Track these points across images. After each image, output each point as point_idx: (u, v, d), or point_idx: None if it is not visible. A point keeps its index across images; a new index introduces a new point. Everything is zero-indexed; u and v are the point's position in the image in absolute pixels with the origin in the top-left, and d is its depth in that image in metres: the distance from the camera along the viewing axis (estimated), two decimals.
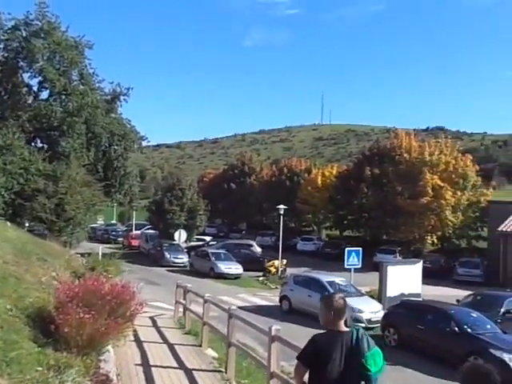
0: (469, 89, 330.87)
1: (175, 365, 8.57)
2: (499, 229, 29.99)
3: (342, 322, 3.95)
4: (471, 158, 39.76)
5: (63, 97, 25.63)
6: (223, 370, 8.41)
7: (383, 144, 42.90)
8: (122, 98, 27.92)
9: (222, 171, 65.01)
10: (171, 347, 9.97)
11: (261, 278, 27.35)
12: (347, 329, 3.95)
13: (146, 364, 8.39)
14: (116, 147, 27.71)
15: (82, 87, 25.85)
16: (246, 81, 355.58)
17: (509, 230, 29.74)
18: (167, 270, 29.53)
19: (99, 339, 6.10)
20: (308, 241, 43.02)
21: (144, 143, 31.38)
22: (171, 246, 32.55)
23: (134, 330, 9.95)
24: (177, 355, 9.25)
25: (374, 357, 3.93)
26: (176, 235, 32.99)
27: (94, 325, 5.90)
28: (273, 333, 6.41)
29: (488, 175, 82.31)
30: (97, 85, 27.42)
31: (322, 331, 4.02)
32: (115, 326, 6.25)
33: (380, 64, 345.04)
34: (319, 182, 46.39)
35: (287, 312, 17.97)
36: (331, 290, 16.87)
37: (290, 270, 27.38)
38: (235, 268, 27.50)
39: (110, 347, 6.96)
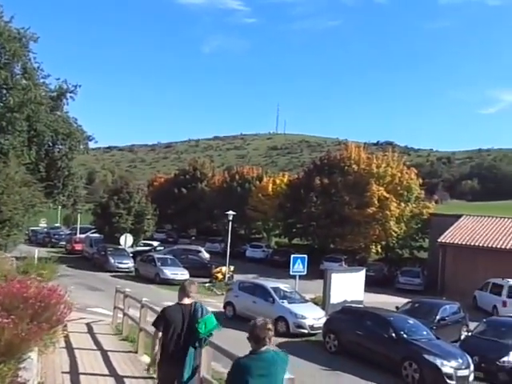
0: (418, 106, 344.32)
1: (106, 372, 8.26)
2: (439, 240, 31.15)
3: (186, 298, 5.53)
4: (416, 171, 41.29)
5: (4, 91, 24.39)
6: (156, 377, 8.17)
7: (333, 155, 43.71)
8: (68, 95, 26.89)
9: (173, 176, 64.18)
10: (105, 354, 9.61)
11: (207, 285, 27.05)
12: (189, 302, 5.50)
13: (74, 372, 8.03)
14: (60, 146, 26.70)
15: (24, 82, 24.57)
16: (203, 87, 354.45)
17: (447, 241, 30.92)
18: (111, 276, 28.69)
19: (19, 345, 5.70)
20: (257, 248, 43.08)
21: (94, 145, 30.40)
22: (116, 251, 31.67)
23: (66, 337, 9.55)
24: (109, 362, 8.92)
25: (205, 322, 5.35)
26: (122, 239, 32.15)
27: (13, 330, 5.53)
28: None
29: (432, 189, 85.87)
30: (41, 80, 26.15)
31: None
32: (38, 331, 5.89)
33: (335, 78, 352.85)
34: (270, 189, 46.68)
35: (231, 318, 17.81)
36: (276, 297, 16.96)
37: (237, 277, 27.24)
38: (181, 274, 27.06)
39: (33, 354, 6.58)
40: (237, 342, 13.34)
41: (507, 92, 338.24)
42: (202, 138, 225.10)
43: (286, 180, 47.50)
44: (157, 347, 5.44)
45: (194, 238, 52.96)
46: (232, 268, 29.09)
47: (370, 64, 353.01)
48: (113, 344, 10.79)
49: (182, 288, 5.64)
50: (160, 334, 5.40)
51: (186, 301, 5.50)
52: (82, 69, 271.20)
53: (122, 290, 13.05)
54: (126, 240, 32.23)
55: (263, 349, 4.13)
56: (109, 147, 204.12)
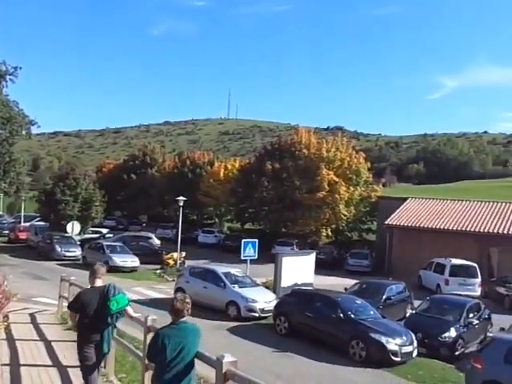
0: (367, 92, 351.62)
1: (49, 363, 7.97)
2: (386, 222, 32.10)
3: (98, 280, 6.13)
4: (364, 155, 42.19)
5: None
6: (102, 366, 7.96)
7: (284, 140, 43.92)
8: (8, 77, 25.57)
9: (123, 162, 62.66)
10: (48, 344, 9.27)
11: (158, 271, 26.72)
12: (101, 284, 6.11)
13: (15, 363, 7.71)
14: (0, 131, 25.39)
15: None
16: (153, 71, 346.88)
17: (394, 223, 31.93)
18: (58, 264, 27.75)
19: None
20: (209, 233, 42.92)
21: (38, 130, 29.07)
22: (63, 239, 30.61)
23: (7, 328, 9.13)
24: (53, 352, 8.61)
25: (117, 300, 5.93)
26: (68, 227, 31.10)
27: None
28: (148, 323, 6.14)
29: (380, 173, 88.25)
30: None
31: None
32: None
33: (286, 62, 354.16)
34: (221, 174, 46.48)
35: None
36: (227, 281, 16.94)
37: (189, 263, 26.97)
38: (131, 261, 26.58)
39: None
40: None
41: (450, 78, 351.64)
42: (153, 123, 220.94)
43: (237, 165, 47.39)
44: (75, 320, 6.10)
45: (144, 224, 52.10)
46: (183, 254, 28.83)
47: (320, 49, 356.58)
48: (57, 334, 10.42)
49: (92, 272, 6.19)
50: (76, 315, 6.00)
51: (99, 283, 6.10)
52: (23, 52, 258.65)
53: (67, 279, 12.61)
54: (73, 228, 31.22)
55: (181, 320, 4.94)
56: (54, 132, 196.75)
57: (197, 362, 4.96)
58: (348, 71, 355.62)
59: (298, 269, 18.99)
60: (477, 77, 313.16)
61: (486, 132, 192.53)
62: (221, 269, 18.35)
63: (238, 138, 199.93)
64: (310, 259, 20.04)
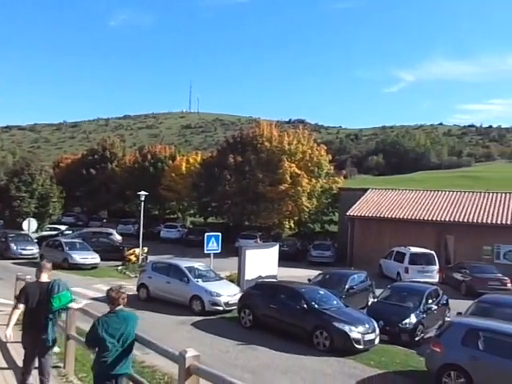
0: (328, 85, 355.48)
1: (4, 365, 7.64)
2: (347, 213, 32.58)
3: (43, 275, 6.53)
4: (325, 148, 42.64)
5: None
6: (61, 366, 7.72)
7: (246, 133, 43.83)
8: None
9: (81, 156, 60.94)
10: (3, 346, 8.88)
11: (120, 267, 26.19)
12: (47, 280, 6.50)
13: None
14: None
15: None
16: (111, 63, 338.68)
17: (355, 214, 32.45)
18: (13, 263, 26.74)
19: None
20: (172, 228, 42.45)
21: None
22: (18, 237, 29.53)
23: None
24: (8, 354, 8.26)
25: (60, 297, 6.30)
26: (25, 224, 30.04)
27: None
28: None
29: (341, 165, 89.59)
30: None
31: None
32: None
33: (247, 55, 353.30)
34: (183, 168, 45.99)
35: (145, 300, 17.41)
36: (190, 276, 16.77)
37: (151, 258, 26.56)
38: (91, 258, 25.94)
39: None
40: (153, 325, 13.04)
41: (407, 72, 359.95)
42: (112, 117, 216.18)
43: (199, 159, 47.01)
44: (14, 317, 6.38)
45: (105, 220, 50.96)
46: (145, 249, 28.40)
47: (281, 42, 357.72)
48: (13, 335, 10.00)
49: (39, 267, 6.67)
50: (21, 306, 6.34)
51: (44, 278, 6.51)
52: None
53: (23, 278, 12.12)
54: (30, 225, 30.18)
55: (118, 308, 5.32)
56: (7, 126, 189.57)
57: (161, 358, 4.89)
58: (309, 64, 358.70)
59: (262, 261, 19.02)
60: (432, 71, 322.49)
61: (441, 124, 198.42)
62: (184, 263, 18.15)
63: (199, 131, 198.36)
64: (273, 251, 20.10)
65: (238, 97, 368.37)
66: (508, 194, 32.64)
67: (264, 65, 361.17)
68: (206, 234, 20.28)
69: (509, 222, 28.60)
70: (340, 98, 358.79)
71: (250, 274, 18.31)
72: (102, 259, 26.58)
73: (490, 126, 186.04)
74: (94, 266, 25.86)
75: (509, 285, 22.41)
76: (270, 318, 13.77)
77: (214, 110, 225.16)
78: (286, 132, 42.91)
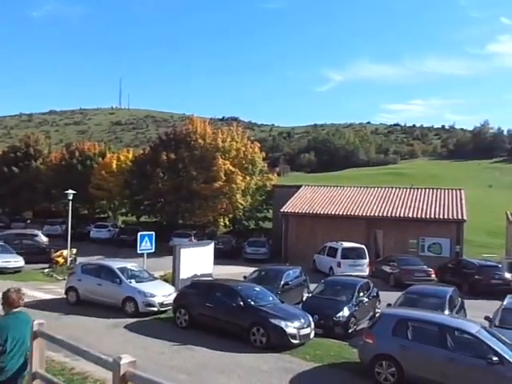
0: (261, 84, 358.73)
1: None
2: (281, 210, 32.99)
3: None
4: (259, 145, 42.97)
5: None
6: None
7: (179, 129, 43.18)
8: None
9: (2, 153, 57.28)
10: None
11: (46, 270, 24.88)
12: None
13: None
14: None
15: None
16: (35, 56, 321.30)
17: (289, 211, 32.93)
18: None
19: None
20: (102, 228, 40.91)
21: None
22: None
23: None
24: None
25: None
26: None
27: None
28: (34, 328, 5.55)
29: (274, 162, 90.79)
30: None
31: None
32: None
33: (179, 51, 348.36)
34: (114, 166, 44.54)
35: (75, 304, 16.62)
36: (122, 277, 16.20)
37: (81, 260, 25.45)
38: (14, 261, 24.38)
39: None
40: (85, 329, 12.44)
41: (336, 72, 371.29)
42: (36, 112, 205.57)
43: (131, 156, 45.74)
44: None
45: (29, 221, 48.24)
46: (74, 251, 27.19)
47: (214, 39, 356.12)
48: None
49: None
50: None
51: None
52: None
53: None
54: None
55: (16, 310, 5.20)
56: None
57: (93, 364, 4.60)
58: (242, 62, 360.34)
59: (197, 260, 18.78)
60: (360, 72, 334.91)
61: (369, 123, 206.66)
62: (116, 264, 17.49)
63: (130, 128, 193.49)
64: (208, 249, 19.92)
65: (171, 93, 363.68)
66: (431, 190, 34.49)
67: (197, 62, 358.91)
68: (139, 234, 19.71)
69: (432, 216, 30.21)
70: (273, 97, 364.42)
71: (185, 273, 18.01)
72: (26, 262, 25.07)
73: (414, 125, 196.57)
74: (17, 270, 24.35)
75: (433, 275, 23.70)
76: (206, 316, 13.59)
77: (146, 107, 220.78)
78: (220, 129, 42.79)
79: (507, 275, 23.20)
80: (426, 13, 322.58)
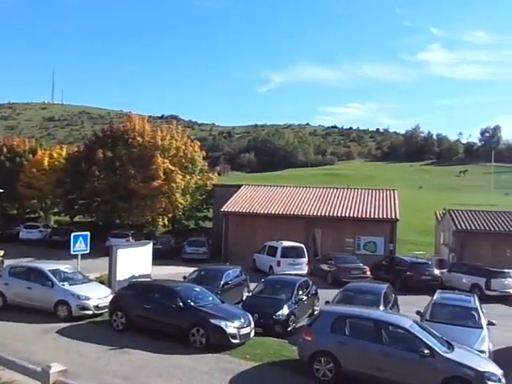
0: (201, 83, 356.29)
1: None
2: (222, 209, 32.87)
3: None
4: (199, 144, 42.55)
5: None
6: None
7: (116, 126, 41.88)
8: None
9: None
10: None
11: None
12: None
13: None
14: None
15: None
16: None
17: (229, 210, 32.87)
18: None
19: None
20: (33, 228, 38.78)
21: None
22: None
23: None
24: None
25: None
26: None
27: None
28: None
29: (214, 162, 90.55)
30: None
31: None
32: None
33: (117, 47, 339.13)
34: (46, 163, 42.48)
35: (2, 309, 15.64)
36: (55, 279, 15.46)
37: (9, 262, 24.02)
38: None
39: None
40: (13, 336, 11.76)
41: (277, 74, 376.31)
42: None
43: (64, 153, 43.80)
44: None
45: None
46: (1, 253, 25.62)
47: (153, 37, 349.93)
48: None
49: None
50: None
51: None
52: None
53: None
54: None
55: None
56: None
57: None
58: (182, 60, 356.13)
59: (135, 260, 18.28)
60: (300, 74, 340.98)
61: (308, 124, 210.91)
62: (47, 266, 16.66)
63: (64, 124, 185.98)
64: (146, 250, 19.45)
65: (108, 90, 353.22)
66: (366, 190, 35.67)
67: (135, 59, 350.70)
68: (73, 234, 18.87)
69: (367, 216, 31.23)
70: (213, 96, 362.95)
71: (122, 274, 17.47)
72: None
73: (351, 128, 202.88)
74: None
75: (368, 273, 24.49)
76: (145, 318, 13.24)
77: (81, 102, 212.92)
78: (159, 127, 41.94)
79: (436, 272, 24.42)
80: (363, 19, 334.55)
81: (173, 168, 37.06)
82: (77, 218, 43.18)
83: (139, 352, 11.76)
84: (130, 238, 32.78)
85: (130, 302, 13.65)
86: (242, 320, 12.72)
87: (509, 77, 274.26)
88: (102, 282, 17.73)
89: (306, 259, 25.89)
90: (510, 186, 76.25)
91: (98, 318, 14.94)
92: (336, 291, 15.85)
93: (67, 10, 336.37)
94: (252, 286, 18.50)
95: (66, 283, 15.58)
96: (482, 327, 12.69)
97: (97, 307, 15.01)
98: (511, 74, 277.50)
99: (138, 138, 38.04)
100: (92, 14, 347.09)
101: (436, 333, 10.70)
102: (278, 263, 25.04)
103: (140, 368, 10.78)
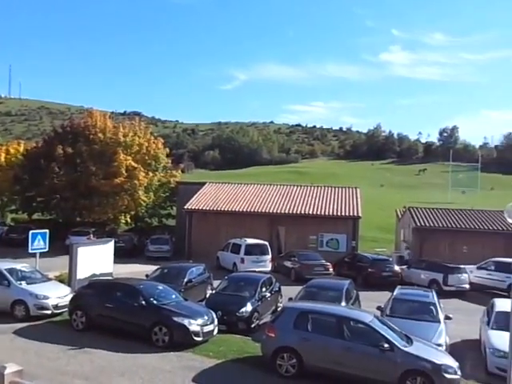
0: (165, 80, 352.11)
1: None
2: (185, 207, 32.62)
3: None
4: (163, 141, 42.09)
5: None
6: None
7: (77, 122, 40.89)
8: None
9: None
10: None
11: None
12: None
13: None
14: None
15: None
16: None
17: (193, 207, 32.64)
18: None
19: None
20: None
21: None
22: None
23: None
24: None
25: None
26: None
27: None
28: None
29: (178, 159, 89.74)
30: None
31: None
32: None
33: (79, 43, 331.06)
34: (3, 159, 41.16)
35: None
36: (11, 278, 15.00)
37: None
38: None
39: None
40: None
41: (241, 71, 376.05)
42: None
43: (22, 149, 42.49)
44: None
45: None
46: None
47: (116, 33, 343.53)
48: None
49: None
50: None
51: None
52: None
53: None
54: None
55: None
56: None
57: None
58: (145, 57, 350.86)
59: (96, 259, 17.91)
60: (264, 72, 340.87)
61: (272, 122, 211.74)
62: (4, 265, 16.11)
63: (22, 119, 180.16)
64: (108, 248, 19.08)
65: (68, 85, 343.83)
66: (329, 188, 36.17)
67: (97, 54, 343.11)
68: (31, 232, 18.31)
69: (330, 213, 31.66)
70: (177, 93, 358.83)
71: (83, 272, 17.09)
72: None
73: (314, 126, 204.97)
74: None
75: (331, 269, 24.86)
76: (106, 317, 13.01)
77: (40, 97, 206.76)
78: (122, 123, 41.20)
79: (396, 268, 25.02)
80: (327, 19, 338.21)
81: (135, 165, 36.53)
82: (35, 216, 41.94)
83: (101, 352, 11.56)
84: (91, 235, 32.18)
85: (90, 301, 13.38)
86: (206, 317, 12.69)
87: (464, 78, 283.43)
88: (61, 281, 17.33)
89: (269, 256, 26.03)
90: (467, 184, 78.93)
91: (58, 318, 14.59)
92: (299, 288, 16.00)
93: (25, 3, 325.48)
94: (216, 283, 18.46)
95: (23, 282, 15.14)
96: (439, 321, 13.08)
97: (56, 307, 14.66)
98: (467, 76, 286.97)
99: (100, 135, 37.29)
100: (51, 8, 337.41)
101: (396, 327, 10.97)
102: (242, 260, 25.08)
103: (101, 368, 10.59)
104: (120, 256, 22.68)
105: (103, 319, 13.05)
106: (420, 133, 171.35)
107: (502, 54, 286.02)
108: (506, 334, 10.70)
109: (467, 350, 13.69)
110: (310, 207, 32.51)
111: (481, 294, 22.54)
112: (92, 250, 18.21)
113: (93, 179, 35.55)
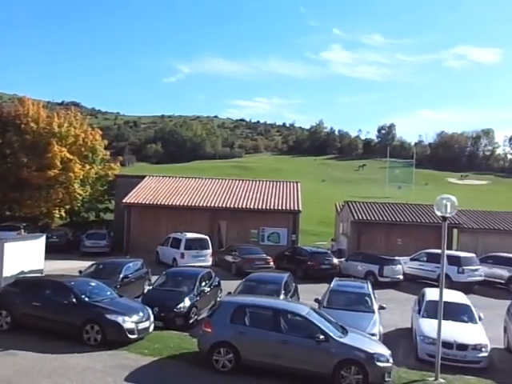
0: (106, 70, 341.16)
1: None
2: (124, 201, 31.65)
3: None
4: (100, 132, 40.68)
5: None
6: None
7: (7, 111, 38.69)
8: None
9: None
10: None
11: None
12: None
13: None
14: None
15: None
16: None
17: (132, 201, 31.71)
18: None
19: None
20: None
21: None
22: None
23: None
24: None
25: None
26: None
27: None
28: None
29: (119, 152, 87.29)
30: None
31: None
32: None
33: (14, 29, 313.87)
34: None
35: None
36: None
37: None
38: None
39: None
40: None
41: (185, 64, 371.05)
42: None
43: None
44: None
45: None
46: None
47: (52, 22, 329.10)
48: None
49: None
50: None
51: None
52: None
53: None
54: None
55: None
56: None
57: None
58: (85, 46, 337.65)
59: (25, 255, 16.93)
60: (208, 66, 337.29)
61: (216, 116, 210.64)
62: None
63: None
64: (39, 243, 18.12)
65: (1, 71, 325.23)
66: (270, 182, 36.34)
67: (34, 41, 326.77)
68: None
69: (271, 207, 31.81)
70: (119, 84, 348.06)
71: (10, 269, 16.07)
72: None
73: (258, 122, 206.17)
74: None
75: (271, 263, 24.95)
76: (33, 317, 12.30)
77: None
78: (57, 113, 39.38)
79: (335, 260, 25.51)
80: (271, 16, 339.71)
81: (71, 157, 35.14)
82: None
83: (26, 353, 10.93)
84: (22, 230, 30.51)
85: (15, 299, 12.63)
86: (141, 314, 12.31)
87: (401, 79, 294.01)
88: None
89: (210, 251, 25.75)
90: (403, 179, 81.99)
91: None
92: (239, 282, 15.91)
93: None
94: (154, 278, 18.03)
95: None
96: (373, 311, 13.40)
97: None
98: (404, 76, 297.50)
99: (32, 124, 35.51)
100: None
101: (332, 319, 11.10)
102: (182, 255, 24.64)
103: (26, 370, 10.00)
104: (54, 252, 21.80)
105: (30, 319, 12.34)
106: (360, 130, 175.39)
107: (435, 57, 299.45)
108: (436, 322, 11.14)
109: (400, 338, 14.14)
110: (251, 201, 32.50)
111: (414, 284, 23.38)
112: (21, 246, 17.19)
113: (24, 171, 33.86)
